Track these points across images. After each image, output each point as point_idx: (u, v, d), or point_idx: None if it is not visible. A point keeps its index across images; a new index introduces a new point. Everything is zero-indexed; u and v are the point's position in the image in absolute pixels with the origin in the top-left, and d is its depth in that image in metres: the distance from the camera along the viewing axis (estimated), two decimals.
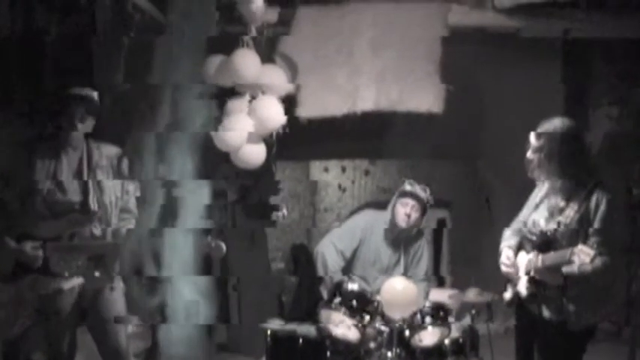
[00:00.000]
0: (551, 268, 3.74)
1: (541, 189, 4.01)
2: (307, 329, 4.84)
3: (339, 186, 6.51)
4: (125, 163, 4.11)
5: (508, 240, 4.09)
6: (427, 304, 4.81)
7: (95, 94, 3.95)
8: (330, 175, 6.50)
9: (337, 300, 4.75)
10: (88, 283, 3.95)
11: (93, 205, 3.93)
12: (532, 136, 3.86)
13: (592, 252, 3.52)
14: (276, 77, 5.36)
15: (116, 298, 4.07)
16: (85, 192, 3.93)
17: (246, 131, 5.18)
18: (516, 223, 4.15)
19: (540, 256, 3.78)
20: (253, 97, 5.33)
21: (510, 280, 4.02)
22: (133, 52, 4.68)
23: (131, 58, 4.68)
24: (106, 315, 4.05)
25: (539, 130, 3.85)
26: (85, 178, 3.94)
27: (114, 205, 4.01)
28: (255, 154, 5.31)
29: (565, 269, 3.69)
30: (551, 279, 3.77)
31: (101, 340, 4.10)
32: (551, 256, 3.74)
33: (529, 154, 3.88)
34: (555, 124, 3.85)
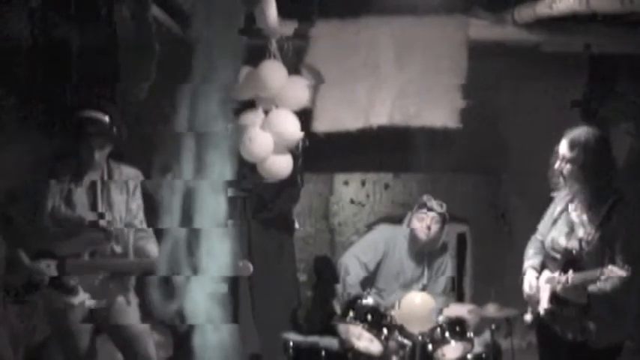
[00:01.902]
0: (578, 286, 3.69)
1: (558, 204, 3.96)
2: (329, 341, 4.84)
3: (353, 200, 6.50)
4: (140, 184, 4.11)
5: (532, 259, 4.04)
6: (441, 318, 4.79)
7: (106, 118, 3.94)
8: (349, 189, 6.49)
9: (351, 314, 4.73)
10: (100, 296, 3.95)
11: (104, 221, 3.93)
12: (565, 146, 3.77)
13: (624, 273, 3.49)
14: (301, 89, 5.37)
15: (132, 312, 4.08)
16: (93, 208, 3.94)
17: (273, 142, 5.17)
18: (535, 242, 4.10)
19: (568, 276, 3.70)
20: (266, 112, 5.33)
21: (531, 302, 3.98)
22: (161, 62, 4.69)
23: (160, 68, 4.69)
24: (127, 330, 4.05)
25: (569, 139, 3.78)
26: (99, 191, 3.94)
27: (123, 222, 4.01)
28: (281, 165, 5.31)
29: (590, 288, 3.64)
30: (576, 297, 3.72)
31: (130, 354, 4.09)
32: (580, 277, 3.68)
33: (558, 165, 3.80)
34: (587, 133, 3.78)
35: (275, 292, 5.86)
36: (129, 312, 4.07)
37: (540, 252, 4.04)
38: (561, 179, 3.83)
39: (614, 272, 3.50)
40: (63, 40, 4.59)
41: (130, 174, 4.08)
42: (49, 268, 3.79)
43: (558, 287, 3.76)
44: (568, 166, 3.77)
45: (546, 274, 3.91)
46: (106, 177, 3.99)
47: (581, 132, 3.79)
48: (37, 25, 4.47)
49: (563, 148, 3.79)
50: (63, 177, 3.93)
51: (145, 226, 4.10)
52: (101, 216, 3.93)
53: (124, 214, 4.01)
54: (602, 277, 3.55)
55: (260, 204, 5.75)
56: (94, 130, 3.88)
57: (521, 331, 4.68)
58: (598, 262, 3.65)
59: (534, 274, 3.98)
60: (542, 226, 4.09)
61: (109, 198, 3.97)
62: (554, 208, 3.99)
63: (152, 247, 4.00)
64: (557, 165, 3.80)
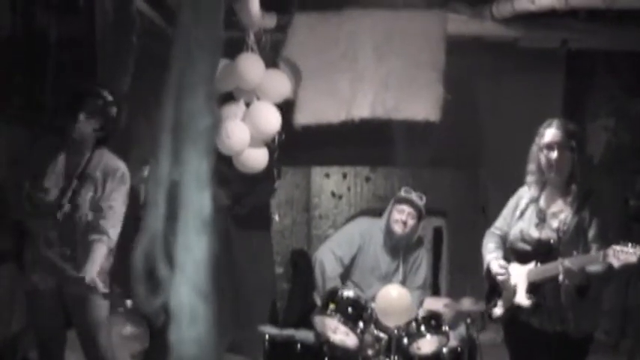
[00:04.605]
0: (579, 272, 3.58)
1: (523, 197, 3.94)
2: (305, 334, 4.82)
3: (333, 193, 6.51)
4: (125, 176, 4.05)
5: (494, 252, 4.03)
6: (421, 312, 4.80)
7: (104, 92, 3.92)
8: (330, 182, 6.51)
9: (332, 307, 4.72)
10: (66, 285, 3.91)
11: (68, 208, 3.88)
12: (557, 133, 3.73)
13: (638, 251, 3.37)
14: (279, 82, 5.37)
15: (99, 303, 4.00)
16: (63, 194, 3.88)
17: (248, 135, 5.19)
18: (493, 236, 4.10)
19: (565, 262, 3.61)
20: (247, 104, 5.33)
21: (501, 294, 3.96)
22: (141, 55, 4.66)
23: (140, 61, 4.66)
24: (88, 319, 4.01)
25: (561, 126, 3.74)
26: (76, 181, 3.90)
27: (86, 218, 3.94)
28: (257, 158, 5.31)
29: (590, 268, 3.55)
30: (577, 281, 3.61)
31: (84, 344, 4.07)
32: (576, 261, 3.59)
33: (557, 155, 3.72)
34: (571, 122, 3.81)
35: (253, 286, 5.87)
36: (96, 303, 3.98)
37: (501, 246, 4.05)
38: (550, 171, 3.74)
39: (624, 252, 3.38)
40: (44, 30, 4.56)
41: (112, 166, 4.01)
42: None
43: (560, 275, 3.67)
44: (565, 153, 3.71)
45: (515, 266, 3.92)
46: (84, 162, 3.94)
47: (565, 121, 3.80)
48: (19, 16, 4.43)
49: (555, 135, 3.73)
50: (47, 154, 3.90)
51: (122, 212, 4.04)
52: (61, 206, 3.87)
53: (88, 207, 3.94)
54: (607, 260, 3.43)
55: (234, 200, 5.74)
56: (90, 99, 3.86)
57: (497, 325, 4.71)
58: (574, 250, 3.65)
59: (502, 261, 3.95)
60: (502, 220, 4.08)
61: (80, 190, 3.90)
62: (518, 202, 3.98)
63: (107, 226, 3.91)
64: (554, 155, 3.70)
